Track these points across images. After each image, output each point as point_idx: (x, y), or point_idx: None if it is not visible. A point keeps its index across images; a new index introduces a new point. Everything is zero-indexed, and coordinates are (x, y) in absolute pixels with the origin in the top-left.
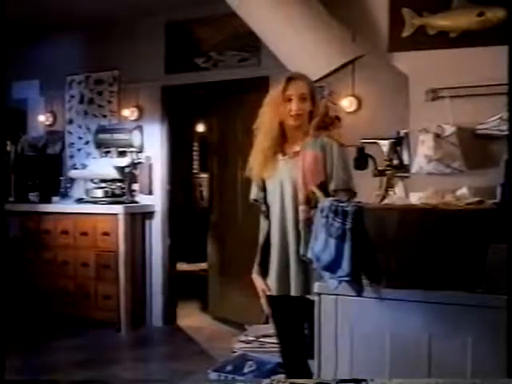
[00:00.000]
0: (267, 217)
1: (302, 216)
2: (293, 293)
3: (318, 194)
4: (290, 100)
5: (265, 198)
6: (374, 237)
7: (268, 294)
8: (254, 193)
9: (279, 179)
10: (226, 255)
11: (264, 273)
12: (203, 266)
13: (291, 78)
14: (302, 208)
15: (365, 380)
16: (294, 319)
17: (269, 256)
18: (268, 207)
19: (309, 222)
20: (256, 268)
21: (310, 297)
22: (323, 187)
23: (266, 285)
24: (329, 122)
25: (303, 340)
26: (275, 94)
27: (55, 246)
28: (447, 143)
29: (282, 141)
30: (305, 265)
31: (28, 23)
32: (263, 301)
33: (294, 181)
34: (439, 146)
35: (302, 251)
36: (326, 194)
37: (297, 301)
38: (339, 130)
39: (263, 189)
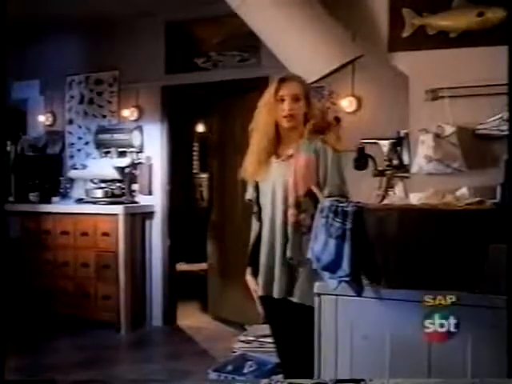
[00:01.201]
0: (259, 219)
1: (290, 219)
2: (275, 295)
3: (318, 193)
4: (282, 101)
5: (257, 199)
6: (374, 237)
7: (259, 294)
8: (249, 193)
9: (272, 182)
10: (225, 255)
11: (255, 273)
12: (203, 266)
13: (284, 79)
14: (291, 211)
15: (363, 380)
16: (283, 320)
17: (259, 257)
18: (260, 209)
19: (297, 225)
20: (248, 269)
21: (293, 299)
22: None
23: (256, 285)
24: (325, 126)
25: (299, 339)
26: (268, 95)
27: (55, 246)
28: (447, 143)
29: (276, 143)
30: (290, 268)
31: (28, 23)
32: (257, 302)
33: (285, 184)
34: (439, 145)
35: (289, 254)
36: (317, 199)
37: (280, 303)
38: (336, 134)
39: (257, 190)
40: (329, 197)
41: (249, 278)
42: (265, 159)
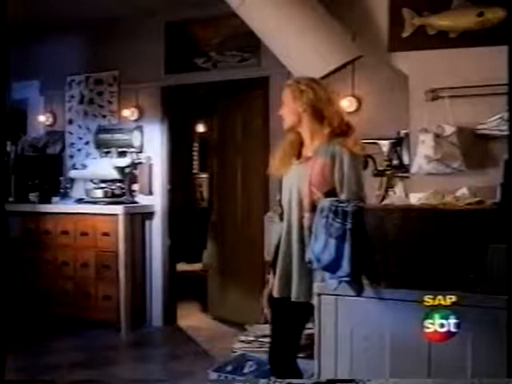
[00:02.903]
0: (282, 219)
1: (306, 223)
2: (293, 298)
3: (319, 195)
4: None
5: (281, 199)
6: (374, 237)
7: (273, 295)
8: (279, 194)
9: (290, 183)
10: (225, 255)
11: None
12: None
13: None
14: (307, 215)
15: (362, 380)
16: (292, 323)
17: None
18: (282, 210)
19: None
20: (271, 270)
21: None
22: (331, 195)
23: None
24: (344, 129)
25: (296, 343)
26: None
27: (55, 246)
28: (447, 143)
29: (298, 145)
30: (308, 271)
31: (28, 23)
32: (264, 300)
33: (299, 186)
34: (439, 145)
35: (307, 258)
36: None
37: (297, 305)
38: (355, 137)
39: (281, 190)
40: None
41: (270, 278)
42: (287, 158)
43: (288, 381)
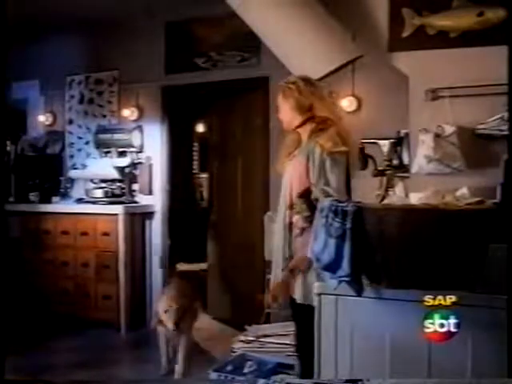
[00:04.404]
0: None
1: (286, 220)
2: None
3: (299, 205)
4: None
5: None
6: (374, 237)
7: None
8: None
9: (284, 181)
10: (225, 255)
11: None
12: (203, 266)
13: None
14: (287, 212)
15: (361, 380)
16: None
17: None
18: None
19: (291, 226)
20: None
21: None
22: (307, 195)
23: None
24: (326, 126)
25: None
26: None
27: (55, 246)
28: (447, 143)
29: (298, 144)
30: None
31: (28, 23)
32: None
33: (284, 184)
34: (439, 146)
35: (286, 254)
36: (311, 201)
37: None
38: (330, 133)
39: None
40: (315, 200)
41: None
42: (283, 157)
43: (287, 381)
